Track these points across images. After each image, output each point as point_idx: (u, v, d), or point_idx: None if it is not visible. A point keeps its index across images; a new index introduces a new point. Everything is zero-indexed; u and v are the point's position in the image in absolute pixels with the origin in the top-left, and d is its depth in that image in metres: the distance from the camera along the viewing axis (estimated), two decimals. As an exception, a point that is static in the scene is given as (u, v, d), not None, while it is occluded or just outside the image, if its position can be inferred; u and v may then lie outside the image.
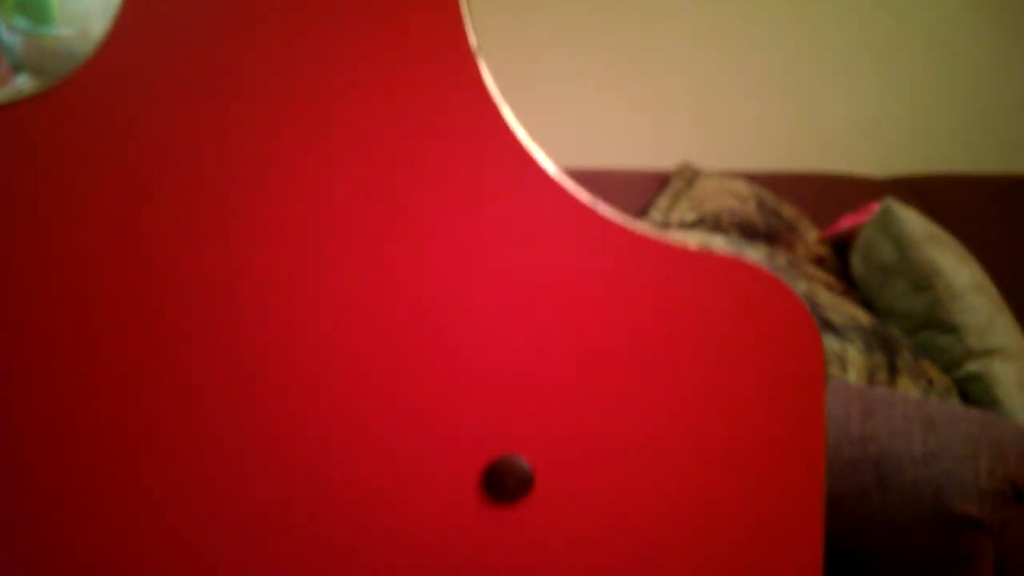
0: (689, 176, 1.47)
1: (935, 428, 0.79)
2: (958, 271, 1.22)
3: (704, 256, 0.34)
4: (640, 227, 0.34)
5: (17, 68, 0.60)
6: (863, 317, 1.21)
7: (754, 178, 1.53)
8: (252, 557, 0.34)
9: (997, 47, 1.98)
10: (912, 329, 1.25)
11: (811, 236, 1.39)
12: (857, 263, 1.30)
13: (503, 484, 0.37)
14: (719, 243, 1.26)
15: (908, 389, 1.14)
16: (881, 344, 1.17)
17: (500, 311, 0.36)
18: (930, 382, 1.20)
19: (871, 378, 1.16)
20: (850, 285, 1.33)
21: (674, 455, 0.37)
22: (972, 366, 1.21)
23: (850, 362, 1.13)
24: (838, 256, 1.39)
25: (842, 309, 1.22)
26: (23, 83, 0.60)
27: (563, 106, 1.61)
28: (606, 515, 0.38)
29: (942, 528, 0.73)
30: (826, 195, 1.58)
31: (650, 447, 0.37)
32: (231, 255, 0.34)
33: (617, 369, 0.36)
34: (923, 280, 1.21)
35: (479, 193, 0.35)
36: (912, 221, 1.23)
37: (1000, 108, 2.00)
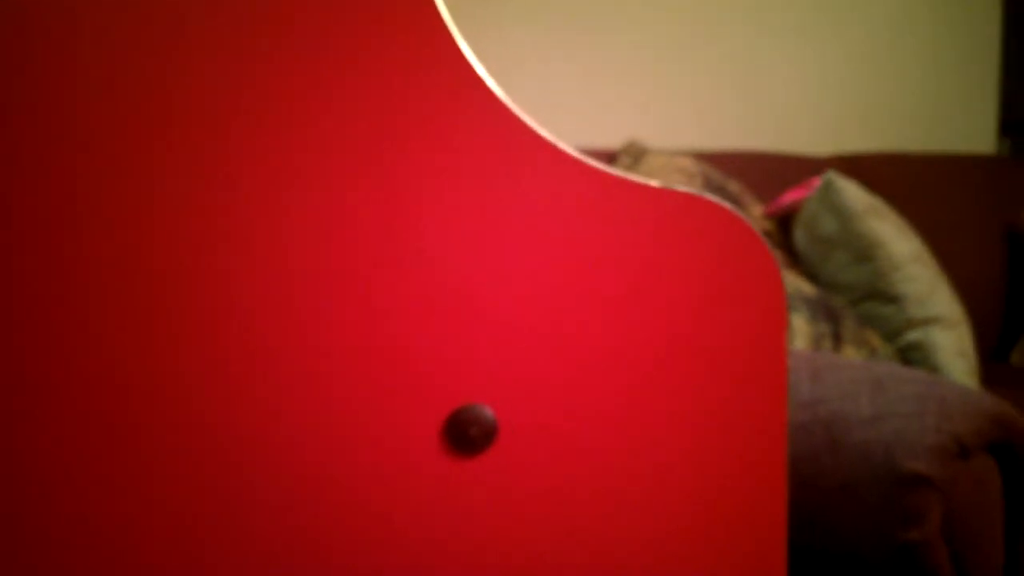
0: (636, 153, 1.47)
1: (883, 389, 0.81)
2: (899, 242, 1.24)
3: (666, 193, 0.33)
4: (600, 165, 0.34)
5: None
6: (807, 288, 1.22)
7: (700, 156, 1.54)
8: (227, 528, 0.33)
9: (936, 27, 2.02)
10: (855, 300, 1.27)
11: (755, 211, 1.40)
12: (800, 236, 1.32)
13: (466, 434, 0.36)
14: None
15: (852, 357, 1.16)
16: (825, 314, 1.19)
17: (462, 252, 0.35)
18: (873, 351, 1.22)
19: (816, 347, 1.18)
20: (794, 259, 1.35)
21: (640, 397, 0.36)
22: (913, 335, 1.23)
23: (796, 331, 1.15)
24: (781, 230, 1.40)
25: (787, 280, 1.24)
26: None
27: (509, 84, 1.60)
28: (572, 464, 0.37)
29: (893, 486, 0.74)
30: (769, 173, 1.60)
31: (615, 391, 0.37)
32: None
33: (581, 311, 0.36)
34: (865, 251, 1.24)
35: (443, 131, 0.34)
36: (853, 194, 1.25)
37: (939, 87, 2.05)
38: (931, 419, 0.76)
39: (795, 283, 1.22)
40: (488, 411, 0.36)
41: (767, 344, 0.36)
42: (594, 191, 0.34)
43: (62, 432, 0.32)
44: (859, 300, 1.27)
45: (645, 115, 1.71)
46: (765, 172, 1.61)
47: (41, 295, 0.32)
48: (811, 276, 1.32)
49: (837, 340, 1.17)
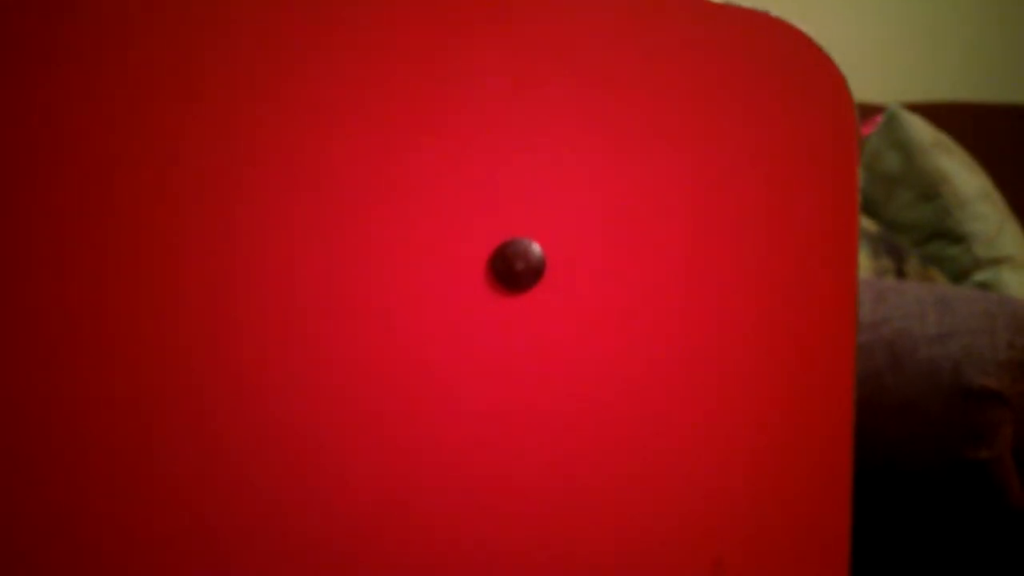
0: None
1: (950, 308, 0.77)
2: (966, 178, 1.19)
3: (728, 8, 0.31)
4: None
5: None
6: (870, 225, 1.18)
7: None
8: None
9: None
10: (919, 241, 1.22)
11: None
12: (862, 175, 1.28)
13: (512, 268, 0.35)
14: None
15: (916, 295, 1.12)
16: (888, 250, 1.15)
17: (503, 85, 0.33)
18: (938, 290, 1.17)
19: (879, 283, 1.14)
20: (855, 200, 1.30)
21: (700, 238, 0.34)
22: (981, 275, 1.18)
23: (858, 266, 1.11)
24: (842, 172, 1.36)
25: (848, 218, 1.19)
26: None
27: None
28: (621, 307, 0.35)
29: (960, 403, 0.71)
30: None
31: (671, 231, 0.34)
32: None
33: (634, 143, 0.34)
34: (930, 188, 1.19)
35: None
36: (919, 127, 1.20)
37: (1007, 37, 1.96)
38: (1003, 335, 0.72)
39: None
40: (536, 246, 0.35)
41: (839, 173, 0.33)
42: (646, 8, 0.32)
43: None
44: (924, 241, 1.22)
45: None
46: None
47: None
48: (872, 217, 1.27)
49: (900, 276, 1.13)
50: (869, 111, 1.62)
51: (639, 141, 0.34)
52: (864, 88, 1.83)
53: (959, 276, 1.21)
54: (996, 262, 1.18)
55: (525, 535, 0.35)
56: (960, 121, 1.72)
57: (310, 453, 0.32)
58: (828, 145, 0.33)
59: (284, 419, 0.32)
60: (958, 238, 1.19)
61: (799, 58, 0.31)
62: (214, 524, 0.32)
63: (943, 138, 1.22)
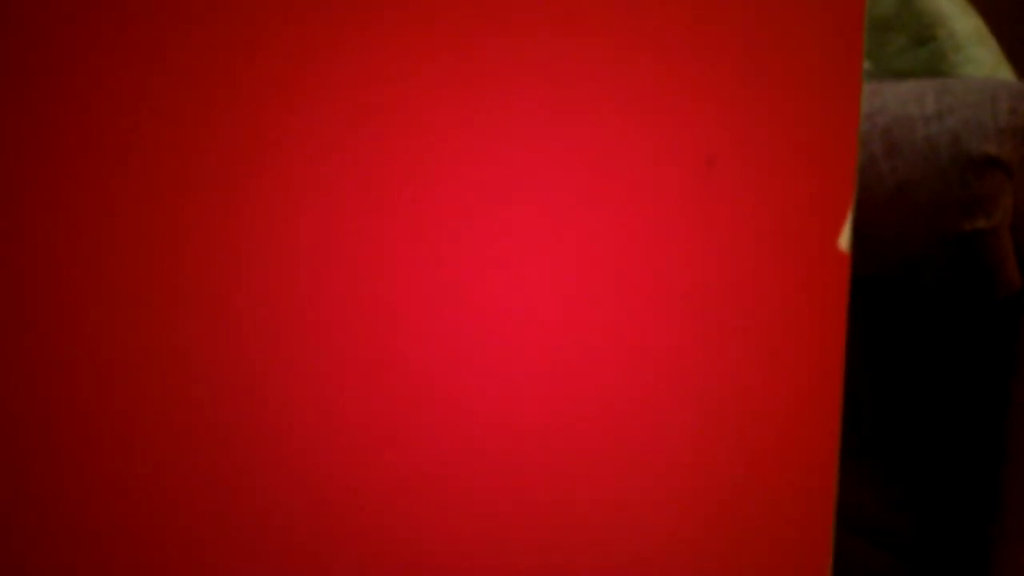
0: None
1: (949, 90, 0.75)
2: (961, 19, 1.16)
3: None
4: None
5: None
6: (867, 64, 1.15)
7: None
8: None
9: None
10: (911, 89, 1.20)
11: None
12: (855, 24, 1.25)
13: None
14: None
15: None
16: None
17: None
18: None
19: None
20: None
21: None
22: (973, 120, 1.16)
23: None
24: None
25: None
26: None
27: None
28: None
29: (959, 174, 0.69)
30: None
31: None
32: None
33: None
34: (925, 30, 1.16)
35: None
36: (915, -34, 1.17)
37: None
38: (1004, 103, 0.70)
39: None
40: None
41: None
42: None
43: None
44: (916, 89, 1.20)
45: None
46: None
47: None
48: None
49: (893, 110, 1.11)
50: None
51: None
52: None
53: (951, 122, 1.19)
54: (989, 107, 1.16)
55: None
56: None
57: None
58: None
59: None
60: (951, 83, 1.17)
61: None
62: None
63: (939, -21, 1.19)
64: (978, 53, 1.17)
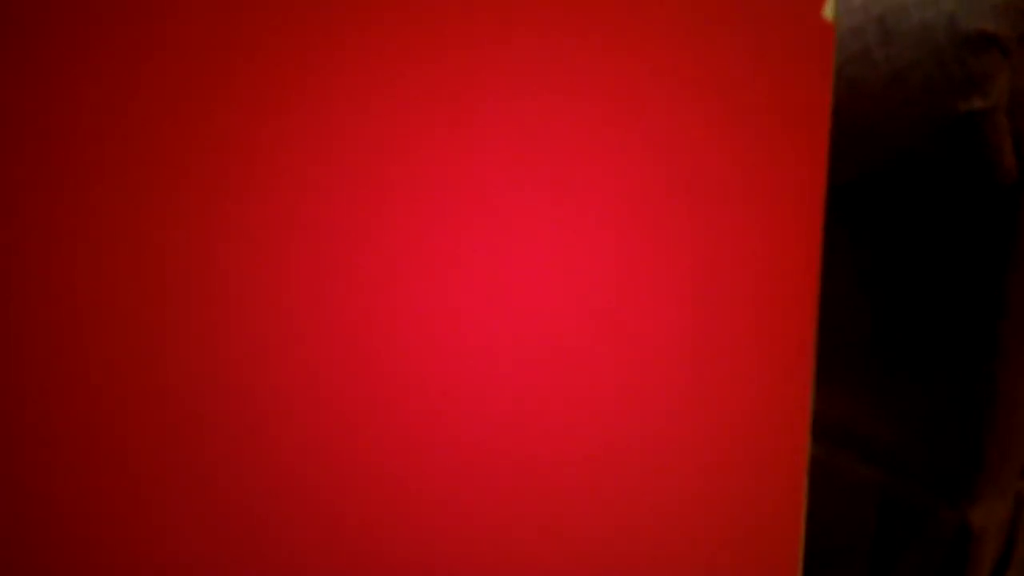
0: None
1: (945, -23, 0.72)
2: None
3: None
4: None
5: None
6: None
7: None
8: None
9: None
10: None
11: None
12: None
13: None
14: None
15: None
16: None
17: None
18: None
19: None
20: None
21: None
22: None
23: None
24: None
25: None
26: None
27: None
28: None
29: (954, 54, 0.66)
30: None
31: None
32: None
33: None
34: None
35: None
36: None
37: None
38: (1001, -18, 0.67)
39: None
40: None
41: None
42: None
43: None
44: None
45: None
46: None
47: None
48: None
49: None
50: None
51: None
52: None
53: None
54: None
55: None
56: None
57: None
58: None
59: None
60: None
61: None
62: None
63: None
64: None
